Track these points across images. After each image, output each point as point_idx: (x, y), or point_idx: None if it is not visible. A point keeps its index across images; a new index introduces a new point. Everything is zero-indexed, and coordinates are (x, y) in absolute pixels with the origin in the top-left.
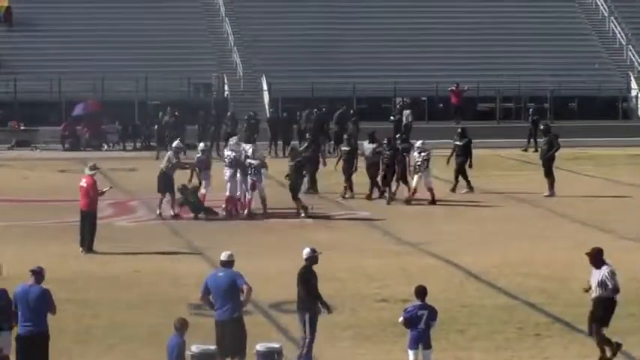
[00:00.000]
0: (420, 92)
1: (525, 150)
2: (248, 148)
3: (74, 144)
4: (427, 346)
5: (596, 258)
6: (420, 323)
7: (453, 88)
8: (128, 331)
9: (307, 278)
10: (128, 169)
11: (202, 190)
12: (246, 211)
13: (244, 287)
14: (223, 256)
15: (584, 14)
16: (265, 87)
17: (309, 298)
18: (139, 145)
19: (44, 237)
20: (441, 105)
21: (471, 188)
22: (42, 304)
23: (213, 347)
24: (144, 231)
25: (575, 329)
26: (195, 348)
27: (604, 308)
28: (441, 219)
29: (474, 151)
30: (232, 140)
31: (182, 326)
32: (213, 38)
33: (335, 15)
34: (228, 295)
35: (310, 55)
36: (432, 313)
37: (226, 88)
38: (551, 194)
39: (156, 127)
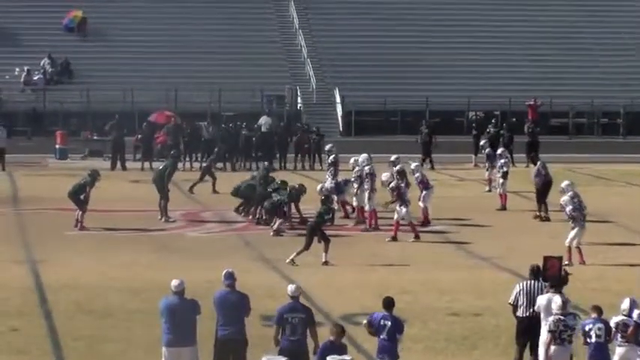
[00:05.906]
0: (493, 106)
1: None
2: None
3: (147, 154)
4: (393, 357)
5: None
6: (383, 333)
7: (531, 102)
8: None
9: None
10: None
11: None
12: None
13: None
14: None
15: None
16: (338, 99)
17: None
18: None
19: (116, 246)
20: (515, 119)
21: None
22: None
23: (284, 358)
24: (215, 242)
25: None
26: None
27: None
28: (514, 233)
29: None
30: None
31: None
32: (286, 50)
33: (408, 28)
34: None
35: (383, 67)
36: (397, 326)
37: (299, 100)
38: None
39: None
